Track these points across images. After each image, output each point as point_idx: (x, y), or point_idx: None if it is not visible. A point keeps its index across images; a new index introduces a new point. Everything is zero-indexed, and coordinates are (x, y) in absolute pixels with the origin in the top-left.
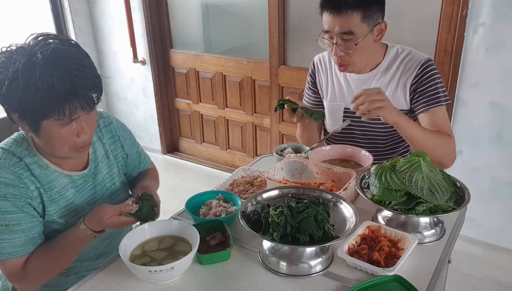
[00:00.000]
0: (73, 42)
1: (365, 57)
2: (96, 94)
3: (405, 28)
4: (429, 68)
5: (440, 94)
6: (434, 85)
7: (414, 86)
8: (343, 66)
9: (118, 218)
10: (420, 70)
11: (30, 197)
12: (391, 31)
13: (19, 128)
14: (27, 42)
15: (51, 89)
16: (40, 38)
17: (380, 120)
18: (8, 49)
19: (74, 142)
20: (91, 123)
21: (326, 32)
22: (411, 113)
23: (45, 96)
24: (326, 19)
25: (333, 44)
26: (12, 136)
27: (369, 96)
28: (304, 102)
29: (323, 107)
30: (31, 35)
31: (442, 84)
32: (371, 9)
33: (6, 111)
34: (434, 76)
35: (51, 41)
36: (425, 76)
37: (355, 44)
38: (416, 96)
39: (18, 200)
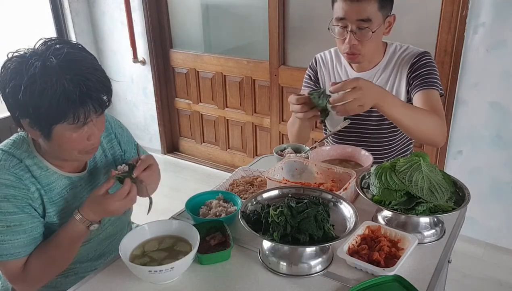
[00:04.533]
0: (80, 46)
1: (374, 49)
2: (107, 97)
3: (405, 28)
4: (425, 58)
5: (435, 80)
6: (429, 71)
7: (409, 74)
8: (353, 55)
9: (110, 194)
10: (415, 60)
11: (31, 198)
12: (392, 31)
13: (18, 129)
14: (36, 47)
15: (67, 93)
16: (49, 43)
17: (377, 118)
18: (16, 54)
19: (84, 145)
20: (101, 126)
21: (341, 19)
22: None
23: (61, 101)
24: (342, 6)
25: (347, 32)
26: (11, 137)
27: (345, 96)
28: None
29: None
30: (39, 40)
31: (437, 74)
32: (386, 0)
33: (17, 117)
34: (429, 64)
35: (59, 46)
36: (420, 64)
37: (373, 32)
38: (411, 82)
39: (19, 201)
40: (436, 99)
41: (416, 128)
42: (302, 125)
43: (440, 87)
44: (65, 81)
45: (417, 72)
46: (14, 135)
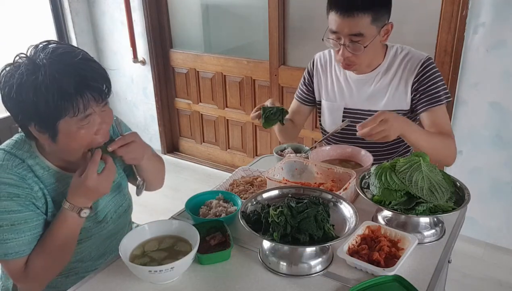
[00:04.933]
0: (71, 44)
1: (370, 58)
2: (106, 86)
3: (405, 28)
4: (430, 67)
5: (440, 93)
6: (435, 84)
7: (415, 85)
8: (349, 65)
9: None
10: (421, 69)
11: (34, 197)
12: (392, 31)
13: (19, 129)
14: (28, 52)
15: (61, 85)
16: (40, 45)
17: None
18: (13, 62)
19: (93, 140)
20: (108, 119)
21: (334, 32)
22: (411, 113)
23: (56, 94)
24: (335, 19)
25: (340, 45)
26: (13, 138)
27: (373, 129)
28: (296, 97)
29: (314, 106)
30: (30, 46)
31: (443, 82)
32: (380, 11)
33: (23, 124)
34: (435, 75)
35: (49, 45)
36: (427, 75)
37: (364, 47)
38: (417, 95)
39: (23, 199)
40: (444, 117)
41: (433, 153)
42: (284, 127)
43: (446, 95)
44: (56, 74)
45: (423, 86)
46: (16, 136)
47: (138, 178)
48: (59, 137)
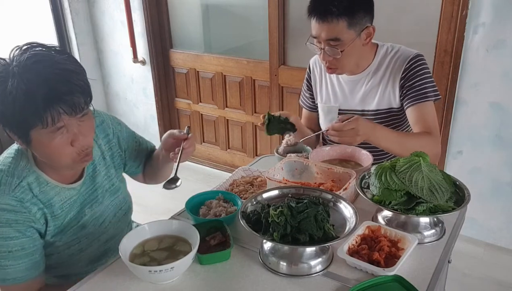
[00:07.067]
0: (58, 48)
1: (353, 61)
2: (83, 99)
3: (405, 28)
4: (417, 63)
5: (428, 90)
6: (422, 80)
7: (402, 81)
8: (331, 69)
9: None
10: (408, 65)
11: (33, 221)
12: (391, 31)
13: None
14: (11, 54)
15: (28, 96)
16: (24, 47)
17: (378, 119)
18: None
19: (70, 151)
20: (85, 130)
21: (314, 37)
22: (402, 111)
23: (22, 105)
24: (314, 25)
25: (320, 49)
26: (10, 151)
27: (341, 134)
28: (303, 105)
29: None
30: (15, 46)
31: (431, 79)
32: (357, 16)
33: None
34: (422, 71)
35: (35, 49)
36: (413, 71)
37: (341, 51)
38: (404, 91)
39: (21, 225)
40: (430, 114)
41: (407, 154)
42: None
43: (434, 93)
44: (23, 85)
45: (410, 82)
46: (14, 148)
47: (178, 177)
48: (33, 145)
